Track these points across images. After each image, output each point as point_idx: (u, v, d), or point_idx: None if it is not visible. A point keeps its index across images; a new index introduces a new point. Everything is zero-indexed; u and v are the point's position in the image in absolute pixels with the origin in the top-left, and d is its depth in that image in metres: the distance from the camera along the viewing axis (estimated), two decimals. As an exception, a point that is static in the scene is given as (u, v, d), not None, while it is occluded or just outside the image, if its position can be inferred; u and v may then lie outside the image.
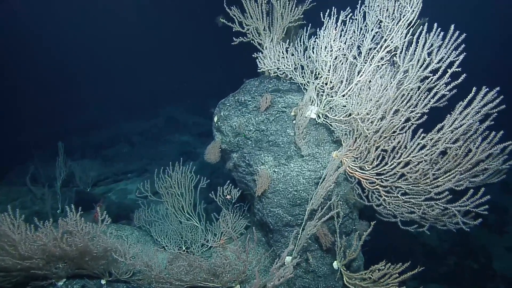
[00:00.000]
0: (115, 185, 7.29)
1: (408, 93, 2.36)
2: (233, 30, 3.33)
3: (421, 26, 2.23)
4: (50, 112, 12.27)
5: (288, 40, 3.40)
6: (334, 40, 2.56)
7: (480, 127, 2.21)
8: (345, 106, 2.71)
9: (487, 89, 2.04)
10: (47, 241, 2.26)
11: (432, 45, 2.23)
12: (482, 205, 2.23)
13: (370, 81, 2.50)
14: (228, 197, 3.43)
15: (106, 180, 7.31)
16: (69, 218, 2.38)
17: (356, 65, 2.65)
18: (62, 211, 5.05)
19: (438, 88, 2.22)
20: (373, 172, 2.74)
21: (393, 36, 2.44)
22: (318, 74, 2.85)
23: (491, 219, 7.26)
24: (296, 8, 3.28)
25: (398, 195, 2.65)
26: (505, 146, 2.12)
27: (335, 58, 2.66)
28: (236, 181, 3.49)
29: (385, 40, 2.50)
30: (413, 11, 2.37)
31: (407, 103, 2.38)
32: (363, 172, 2.81)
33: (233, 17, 3.31)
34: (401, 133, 2.49)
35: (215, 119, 3.41)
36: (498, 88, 2.07)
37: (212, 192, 3.42)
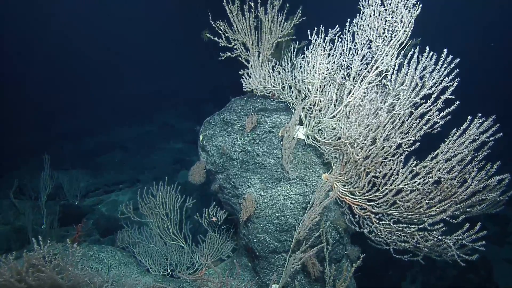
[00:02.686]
0: (105, 197, 7.08)
1: (400, 118, 2.21)
2: (220, 45, 3.18)
3: (413, 48, 2.08)
4: (40, 117, 12.02)
5: (279, 54, 3.24)
6: (321, 61, 2.41)
7: (477, 156, 2.07)
8: (335, 128, 2.56)
9: (484, 118, 1.90)
10: (9, 277, 2.09)
11: (424, 68, 2.09)
12: (479, 240, 2.08)
13: (359, 104, 2.35)
14: (214, 219, 3.27)
15: (96, 191, 7.12)
16: (36, 251, 2.21)
17: (345, 86, 2.50)
18: (47, 226, 4.87)
19: (431, 115, 2.07)
20: (363, 198, 2.59)
21: (383, 57, 2.29)
22: (306, 94, 2.70)
23: (492, 230, 7.10)
24: (285, 23, 3.13)
25: (390, 223, 2.50)
26: (502, 178, 1.97)
27: (323, 79, 2.51)
28: (222, 203, 3.33)
29: (376, 60, 2.35)
30: (405, 31, 2.22)
31: (398, 128, 2.24)
32: (354, 197, 2.66)
33: (219, 31, 3.15)
34: (392, 160, 2.34)
35: (201, 137, 3.25)
36: (494, 116, 1.93)
37: (197, 213, 3.27)
